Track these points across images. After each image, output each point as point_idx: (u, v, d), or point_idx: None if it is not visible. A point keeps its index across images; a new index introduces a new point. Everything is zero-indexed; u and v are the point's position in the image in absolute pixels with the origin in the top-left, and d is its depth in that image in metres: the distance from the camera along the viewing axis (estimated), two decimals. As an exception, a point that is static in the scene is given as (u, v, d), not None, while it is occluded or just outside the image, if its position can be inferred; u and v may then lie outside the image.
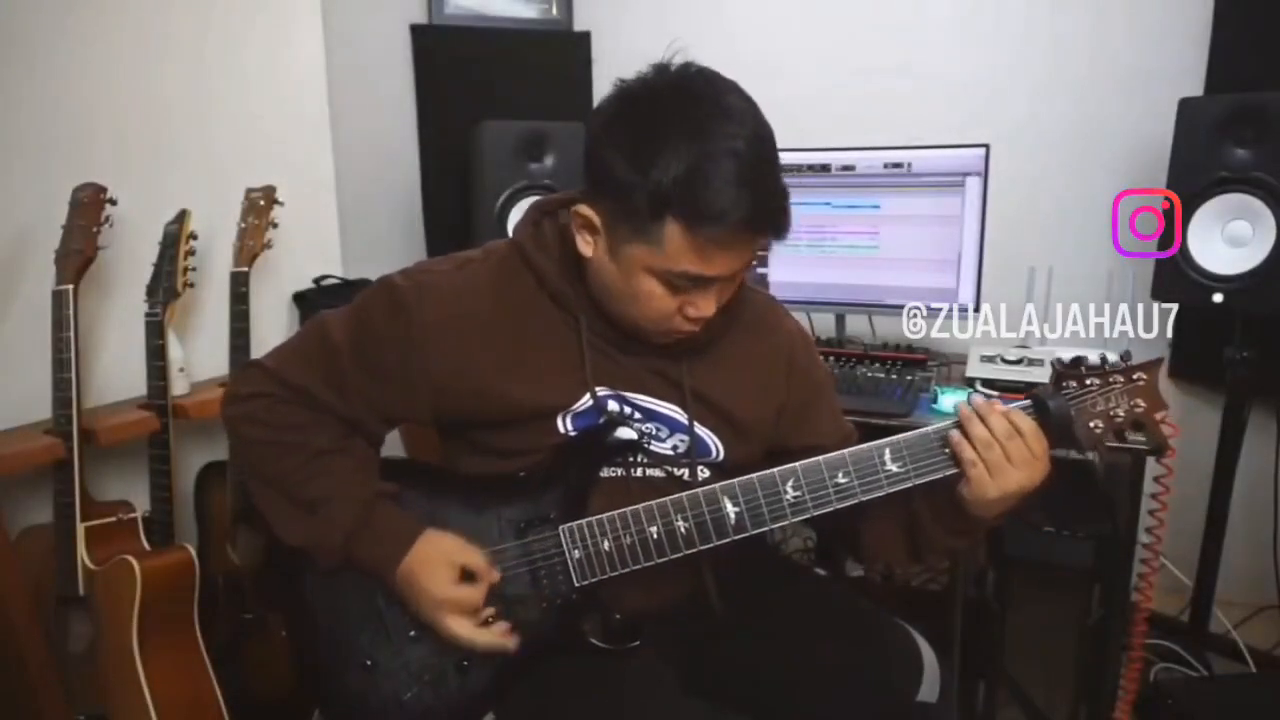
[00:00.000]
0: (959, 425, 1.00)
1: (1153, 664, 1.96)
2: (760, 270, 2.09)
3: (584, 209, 0.99)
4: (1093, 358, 1.03)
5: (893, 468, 1.01)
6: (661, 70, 0.98)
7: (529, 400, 1.06)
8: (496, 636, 1.04)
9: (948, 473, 1.01)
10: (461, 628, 1.02)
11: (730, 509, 1.02)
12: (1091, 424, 1.01)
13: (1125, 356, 1.04)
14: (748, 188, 0.92)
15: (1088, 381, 1.01)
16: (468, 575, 1.04)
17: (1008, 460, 0.97)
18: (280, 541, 1.07)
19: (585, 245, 1.02)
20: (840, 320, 2.11)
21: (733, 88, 0.97)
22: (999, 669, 1.70)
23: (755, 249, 1.00)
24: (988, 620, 1.70)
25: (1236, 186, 1.73)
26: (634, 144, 0.94)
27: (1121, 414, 1.01)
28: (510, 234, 1.14)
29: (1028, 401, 1.02)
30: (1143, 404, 1.01)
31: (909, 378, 1.80)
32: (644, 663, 1.06)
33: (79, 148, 1.64)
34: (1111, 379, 1.01)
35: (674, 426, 1.11)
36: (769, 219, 0.96)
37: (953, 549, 1.11)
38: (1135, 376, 1.02)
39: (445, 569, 1.03)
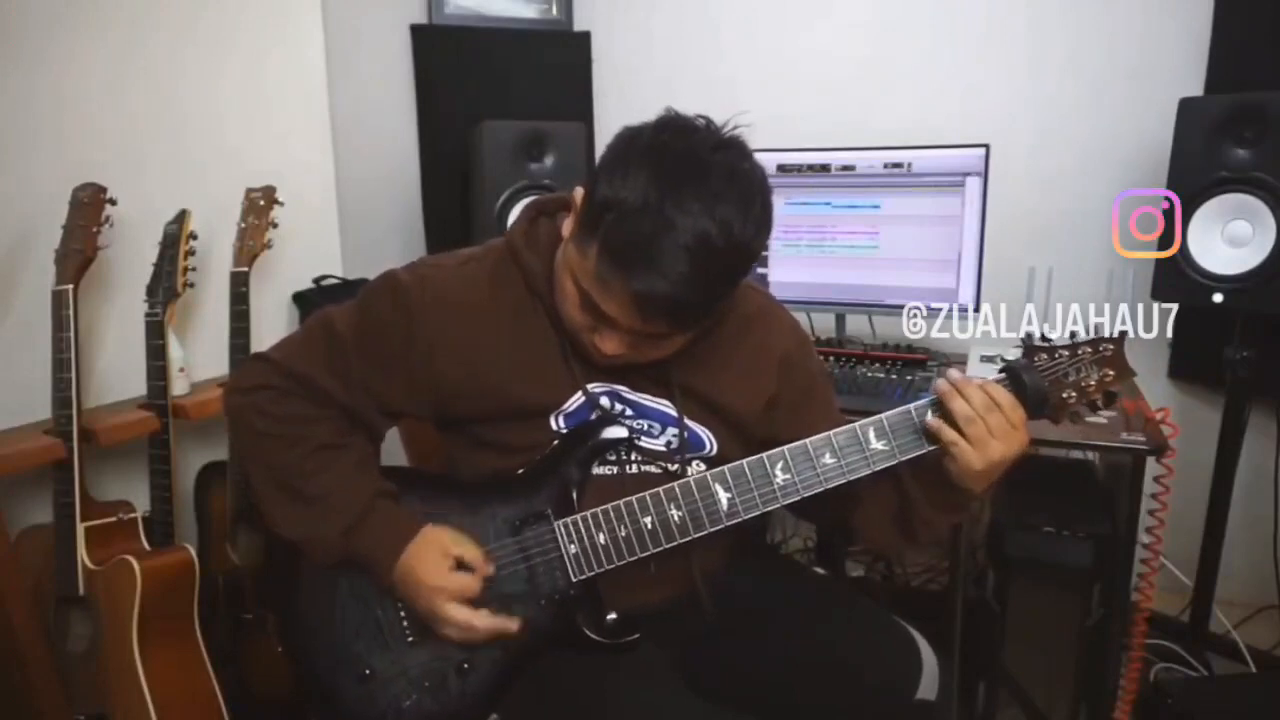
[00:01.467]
0: (938, 403, 1.02)
1: (1153, 664, 1.96)
2: (760, 270, 2.09)
3: (578, 189, 1.00)
4: (1060, 335, 1.07)
5: (878, 446, 1.03)
6: (708, 124, 0.96)
7: (525, 396, 1.07)
8: (496, 620, 1.04)
9: (931, 448, 1.02)
10: (459, 612, 1.03)
11: (722, 496, 1.04)
12: (1064, 394, 1.05)
13: (1094, 330, 1.06)
14: (661, 269, 0.89)
15: (1057, 354, 1.05)
16: (464, 568, 1.04)
17: (989, 433, 0.99)
18: (278, 535, 1.07)
19: (566, 227, 1.02)
20: (840, 320, 2.11)
21: (748, 188, 0.93)
22: (999, 669, 1.69)
23: (641, 324, 0.95)
24: (988, 620, 1.69)
25: (1236, 186, 1.73)
26: (624, 157, 0.93)
27: (1092, 383, 1.05)
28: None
29: (1003, 375, 1.04)
30: (1111, 373, 1.05)
31: (909, 378, 1.80)
32: (644, 662, 1.07)
33: (79, 148, 1.64)
34: (1080, 350, 1.05)
35: (666, 421, 1.11)
36: (658, 308, 0.92)
37: (946, 525, 1.13)
38: (1102, 347, 1.06)
39: (440, 558, 1.03)
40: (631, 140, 0.95)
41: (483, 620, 1.03)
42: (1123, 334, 1.07)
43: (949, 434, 1.00)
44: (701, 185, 0.90)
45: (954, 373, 1.03)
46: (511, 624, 1.05)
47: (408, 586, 1.04)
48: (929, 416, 1.02)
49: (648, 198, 0.89)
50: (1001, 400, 1.00)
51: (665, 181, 0.90)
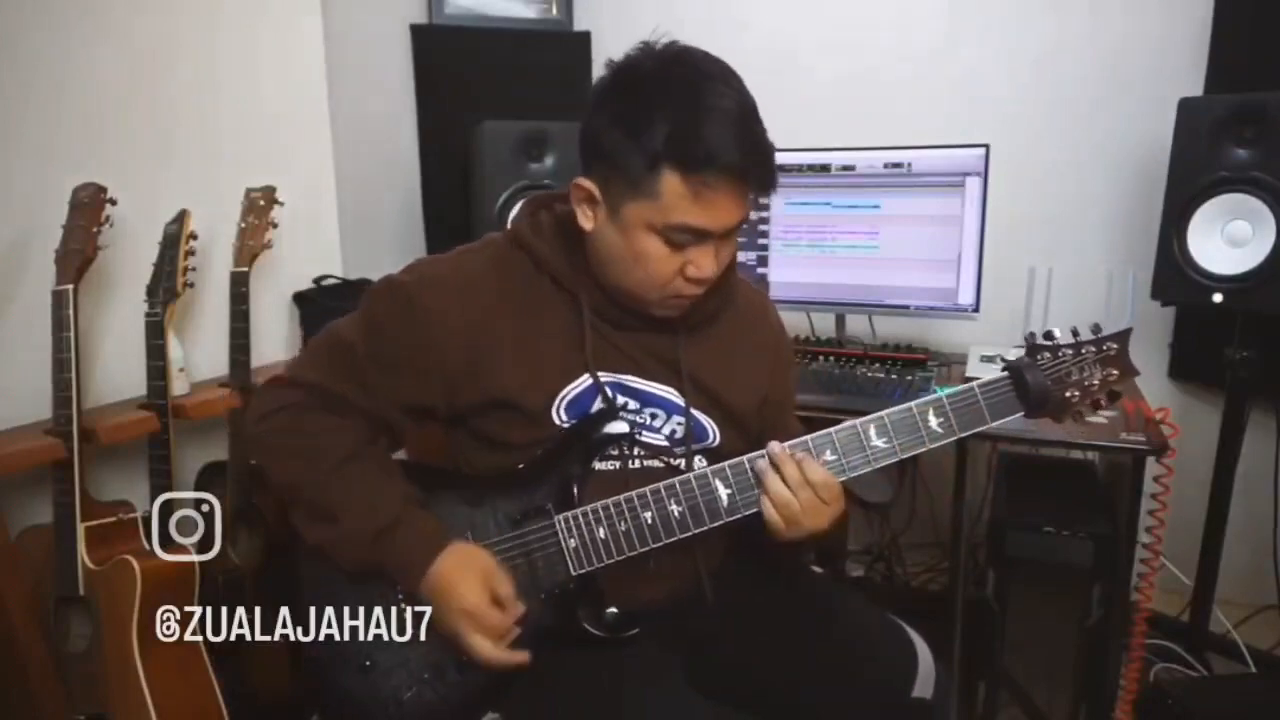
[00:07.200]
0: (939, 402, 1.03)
1: (1153, 664, 1.96)
2: (760, 270, 2.09)
3: (583, 181, 1.02)
4: (1062, 334, 1.06)
5: (879, 443, 1.03)
6: (646, 48, 1.01)
7: (528, 378, 1.07)
8: (514, 655, 1.03)
9: (932, 445, 1.03)
10: (484, 645, 1.02)
11: (722, 491, 1.04)
12: (1067, 393, 1.04)
13: (1096, 329, 1.06)
14: (735, 136, 0.95)
15: (1060, 352, 1.04)
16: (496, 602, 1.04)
17: (800, 511, 1.01)
18: (311, 545, 1.07)
19: (586, 219, 1.04)
20: (840, 320, 2.11)
21: (715, 59, 1.01)
22: (999, 669, 1.69)
23: (747, 203, 1.01)
24: (988, 620, 1.69)
25: (1236, 186, 1.74)
26: (625, 108, 0.98)
27: (1096, 382, 1.04)
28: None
29: (1005, 373, 1.04)
30: (1115, 372, 1.05)
31: (909, 378, 1.80)
32: (643, 657, 1.07)
33: (79, 148, 1.64)
34: (1084, 349, 1.04)
35: (671, 409, 1.12)
36: (757, 166, 0.98)
37: (797, 557, 1.20)
38: (1106, 346, 1.05)
39: (481, 582, 1.02)
40: (621, 95, 0.99)
41: (501, 657, 1.02)
42: (1127, 331, 1.06)
43: (765, 504, 1.02)
44: (699, 73, 0.98)
45: (775, 446, 1.02)
46: (524, 657, 1.04)
47: (441, 597, 1.03)
48: (933, 422, 1.03)
49: (683, 108, 0.95)
50: (813, 478, 1.01)
51: (680, 90, 0.96)
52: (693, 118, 0.94)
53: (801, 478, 1.01)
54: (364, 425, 1.10)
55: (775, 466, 1.02)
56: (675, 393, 1.12)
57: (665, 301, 1.06)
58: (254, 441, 1.14)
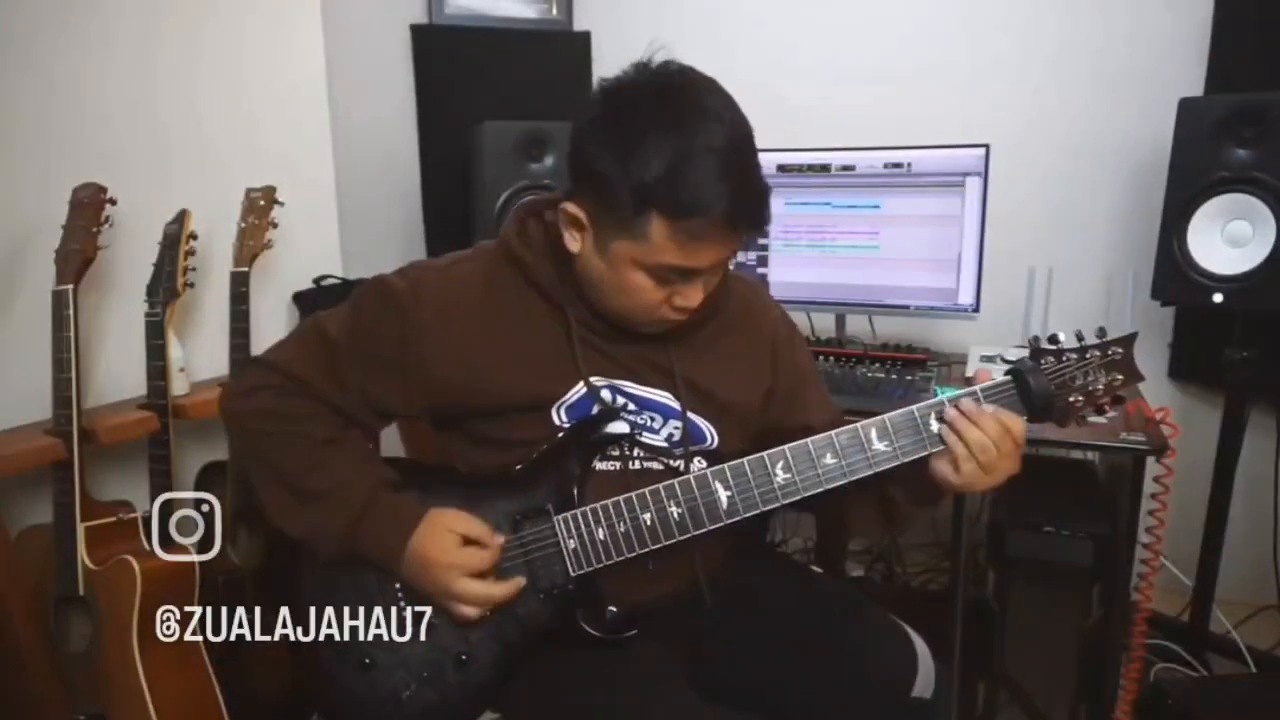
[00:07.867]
0: (946, 421, 1.01)
1: (1153, 664, 1.96)
2: (760, 270, 2.09)
3: (570, 206, 1.02)
4: (1067, 338, 1.05)
5: (880, 447, 1.02)
6: (642, 68, 1.00)
7: (522, 391, 1.07)
8: (509, 584, 1.05)
9: (934, 449, 1.02)
10: (473, 585, 1.03)
11: (722, 493, 1.04)
12: (1071, 398, 1.03)
13: (1100, 333, 1.05)
14: (727, 182, 0.94)
15: (1065, 357, 1.03)
16: (471, 545, 1.05)
17: (1000, 456, 0.99)
18: (283, 533, 1.07)
19: (572, 241, 1.03)
20: (840, 320, 2.11)
21: (712, 85, 0.99)
22: (999, 669, 1.69)
23: (737, 242, 1.01)
24: (988, 620, 1.70)
25: (1236, 186, 1.74)
26: (616, 140, 0.96)
27: (1100, 387, 1.03)
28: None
29: (1008, 377, 1.03)
30: (1120, 377, 1.04)
31: (909, 378, 1.80)
32: (643, 657, 1.07)
33: (79, 148, 1.64)
34: (1088, 354, 1.03)
35: (667, 413, 1.12)
36: (748, 213, 0.98)
37: (923, 516, 1.17)
38: (1111, 351, 1.04)
39: (449, 535, 1.04)
40: (612, 122, 0.98)
41: (500, 589, 1.04)
42: (1132, 335, 1.05)
43: (962, 450, 0.99)
44: (694, 108, 0.96)
45: (967, 402, 1.01)
46: (521, 580, 1.05)
47: (419, 569, 1.04)
48: (934, 426, 1.01)
49: (673, 148, 0.93)
50: (1011, 426, 0.99)
51: (671, 127, 0.94)
52: (683, 160, 0.93)
53: (1002, 428, 0.98)
54: (338, 416, 1.10)
55: (972, 421, 0.99)
56: (670, 397, 1.12)
57: (652, 324, 1.06)
58: (230, 419, 1.13)
